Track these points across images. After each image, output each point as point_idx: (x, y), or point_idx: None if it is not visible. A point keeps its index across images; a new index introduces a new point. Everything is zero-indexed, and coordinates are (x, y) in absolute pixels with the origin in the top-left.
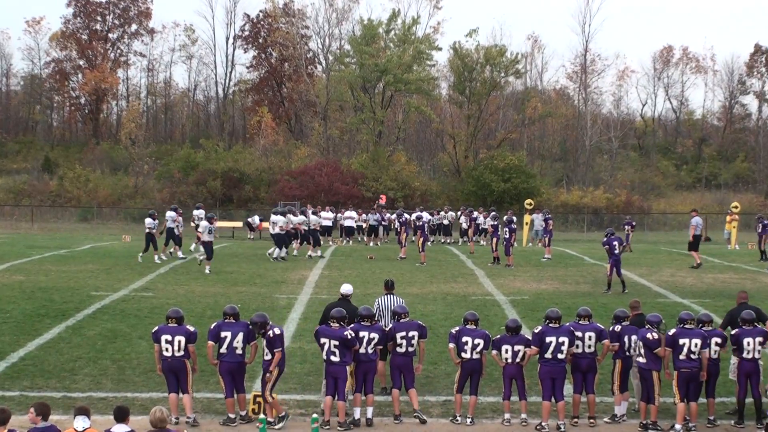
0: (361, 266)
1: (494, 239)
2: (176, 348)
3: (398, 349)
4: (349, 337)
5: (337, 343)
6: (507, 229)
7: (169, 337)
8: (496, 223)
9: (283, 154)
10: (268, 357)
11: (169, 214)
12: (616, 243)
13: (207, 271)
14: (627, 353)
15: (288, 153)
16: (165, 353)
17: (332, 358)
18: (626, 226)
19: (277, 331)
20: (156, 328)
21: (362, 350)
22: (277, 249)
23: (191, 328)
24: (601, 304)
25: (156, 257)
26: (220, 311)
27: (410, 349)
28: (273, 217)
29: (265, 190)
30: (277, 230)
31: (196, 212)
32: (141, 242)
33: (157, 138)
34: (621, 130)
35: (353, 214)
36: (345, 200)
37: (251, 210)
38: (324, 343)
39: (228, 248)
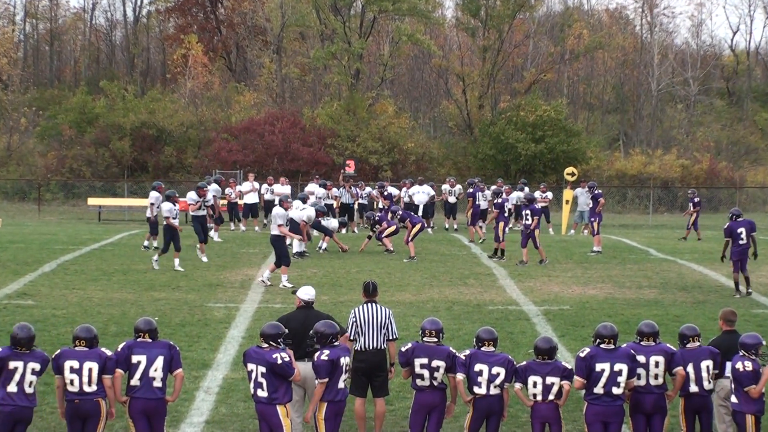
0: (330, 263)
1: (500, 223)
2: (86, 380)
3: (420, 382)
4: (280, 362)
5: (264, 370)
6: (529, 211)
7: (75, 365)
8: (501, 200)
9: (219, 103)
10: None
11: (191, 195)
12: (742, 230)
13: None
14: (697, 387)
15: (227, 101)
16: (69, 388)
17: (259, 392)
18: (691, 205)
19: None
20: (58, 351)
21: (341, 384)
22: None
23: (107, 352)
24: (673, 317)
25: (177, 261)
26: (129, 325)
27: (435, 382)
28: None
29: (193, 154)
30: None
31: (212, 187)
32: (23, 230)
33: (39, 79)
34: (702, 69)
35: (317, 188)
36: (308, 168)
37: (173, 182)
38: (251, 371)
39: (139, 237)
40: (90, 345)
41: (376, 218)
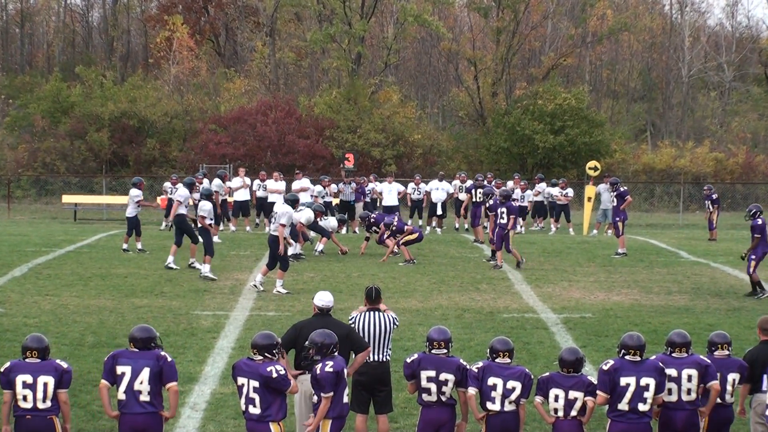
0: (328, 266)
1: (492, 223)
2: (40, 396)
3: (426, 397)
4: (275, 375)
5: (257, 384)
6: (504, 210)
7: (28, 379)
8: (493, 202)
9: (206, 90)
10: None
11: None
12: None
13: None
14: (721, 399)
15: (215, 88)
16: (22, 404)
17: (250, 409)
18: (707, 202)
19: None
20: (7, 364)
21: (345, 398)
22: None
23: (63, 365)
24: (705, 326)
25: (207, 267)
26: (108, 335)
27: (443, 398)
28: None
29: (178, 147)
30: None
31: (215, 182)
32: None
33: (8, 65)
34: (738, 53)
35: (309, 184)
36: (304, 162)
37: (156, 177)
38: (241, 386)
39: (119, 238)
40: (42, 356)
41: (372, 219)
